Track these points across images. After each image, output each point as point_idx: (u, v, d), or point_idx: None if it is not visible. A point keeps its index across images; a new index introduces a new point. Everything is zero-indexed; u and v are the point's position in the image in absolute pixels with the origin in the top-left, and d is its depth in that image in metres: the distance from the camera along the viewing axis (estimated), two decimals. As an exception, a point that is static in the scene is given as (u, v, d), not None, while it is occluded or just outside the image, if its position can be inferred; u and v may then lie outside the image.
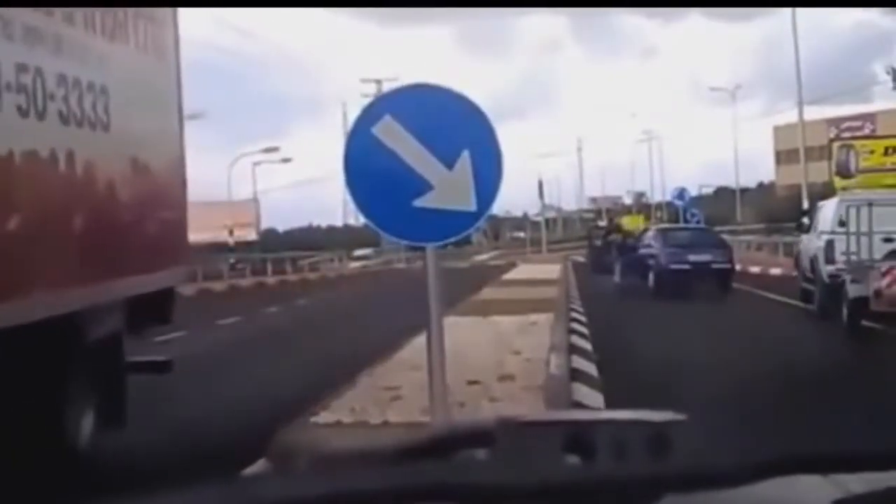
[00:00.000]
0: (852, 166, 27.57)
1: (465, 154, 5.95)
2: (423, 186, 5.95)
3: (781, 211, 46.84)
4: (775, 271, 30.31)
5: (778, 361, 11.61)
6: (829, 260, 16.91)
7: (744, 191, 70.11)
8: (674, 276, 24.22)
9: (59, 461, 6.63)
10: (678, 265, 24.54)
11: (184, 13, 9.23)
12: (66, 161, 6.56)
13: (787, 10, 40.90)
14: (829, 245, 17.04)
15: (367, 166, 6.02)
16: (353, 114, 7.13)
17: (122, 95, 7.36)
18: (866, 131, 51.18)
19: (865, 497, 1.30)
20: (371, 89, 56.89)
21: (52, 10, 6.49)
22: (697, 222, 40.91)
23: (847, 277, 15.39)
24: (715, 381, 9.67)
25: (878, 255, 15.37)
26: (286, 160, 58.19)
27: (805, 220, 21.00)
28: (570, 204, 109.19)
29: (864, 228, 15.62)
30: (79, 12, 6.86)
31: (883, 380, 10.76)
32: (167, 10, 8.69)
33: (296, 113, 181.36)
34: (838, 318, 15.56)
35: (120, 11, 7.54)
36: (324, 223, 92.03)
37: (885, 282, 14.41)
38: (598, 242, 40.05)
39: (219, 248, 45.42)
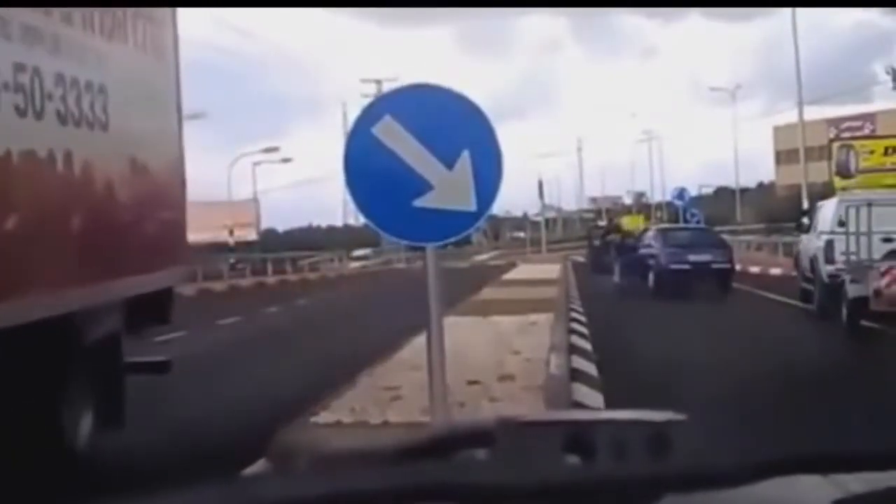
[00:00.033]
0: (852, 166, 27.57)
1: (465, 154, 5.95)
2: (423, 186, 5.95)
3: (781, 211, 46.85)
4: (775, 271, 30.31)
5: (778, 361, 11.61)
6: (829, 260, 16.92)
7: (744, 191, 70.16)
8: (674, 276, 24.22)
9: (58, 462, 6.61)
10: (678, 265, 24.54)
11: (183, 13, 9.22)
12: (64, 161, 6.53)
13: (787, 10, 40.97)
14: (829, 245, 17.05)
15: (367, 166, 6.02)
16: (353, 114, 7.15)
17: (120, 95, 7.33)
18: (866, 131, 51.18)
19: (865, 497, 1.30)
20: (371, 89, 56.94)
21: (51, 9, 6.47)
22: (697, 222, 40.93)
23: (846, 277, 15.41)
24: (715, 381, 9.67)
25: (877, 255, 15.39)
26: (286, 160, 58.26)
27: (805, 220, 21.01)
28: (570, 204, 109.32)
29: (863, 228, 15.63)
30: (77, 11, 6.83)
31: (882, 379, 10.76)
32: (166, 10, 8.67)
33: (296, 113, 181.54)
34: (838, 318, 15.57)
35: (118, 11, 7.51)
36: (324, 223, 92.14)
37: (884, 281, 14.43)
38: (597, 242, 40.09)
39: (219, 248, 45.43)
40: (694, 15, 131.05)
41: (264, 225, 60.80)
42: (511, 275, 34.47)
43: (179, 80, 9.02)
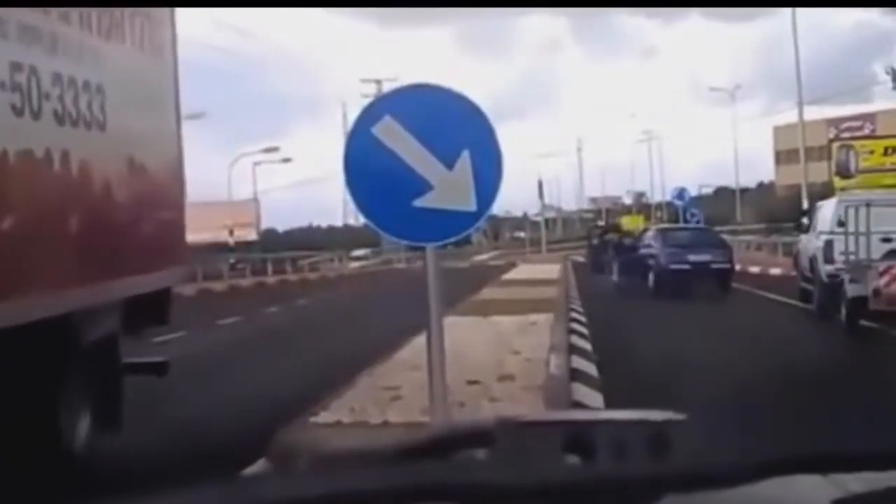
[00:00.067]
0: (852, 166, 27.61)
1: (465, 154, 5.95)
2: (423, 186, 5.95)
3: (781, 211, 46.87)
4: (775, 271, 30.31)
5: (777, 361, 11.61)
6: (828, 260, 16.94)
7: (744, 191, 70.18)
8: (673, 276, 24.22)
9: (56, 463, 6.59)
10: (678, 265, 24.54)
11: (183, 13, 9.21)
12: (61, 161, 6.49)
13: (787, 10, 40.95)
14: (828, 245, 17.06)
15: (367, 166, 6.02)
16: (353, 114, 7.14)
17: (118, 94, 7.29)
18: (866, 131, 51.21)
19: (865, 497, 1.30)
20: (371, 89, 56.95)
21: (48, 8, 6.44)
22: (697, 222, 40.96)
23: (845, 277, 15.43)
24: (714, 381, 9.67)
25: (876, 255, 15.41)
26: (286, 160, 58.26)
27: (804, 220, 21.02)
28: (569, 204, 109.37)
29: (862, 228, 15.66)
30: (74, 10, 6.79)
31: (881, 379, 10.77)
32: (164, 9, 8.63)
33: (296, 113, 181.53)
34: (837, 318, 15.59)
35: (116, 10, 7.46)
36: (324, 223, 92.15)
37: (882, 281, 14.48)
38: (596, 241, 40.11)
39: (219, 248, 45.45)
40: (694, 15, 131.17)
41: (264, 225, 60.88)
42: (511, 275, 34.47)
43: (178, 79, 8.98)
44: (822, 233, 17.84)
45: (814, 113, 51.79)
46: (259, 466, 5.68)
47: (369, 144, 5.95)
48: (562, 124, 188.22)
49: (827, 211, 18.21)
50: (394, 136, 5.93)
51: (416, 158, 5.92)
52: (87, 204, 6.94)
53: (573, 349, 12.27)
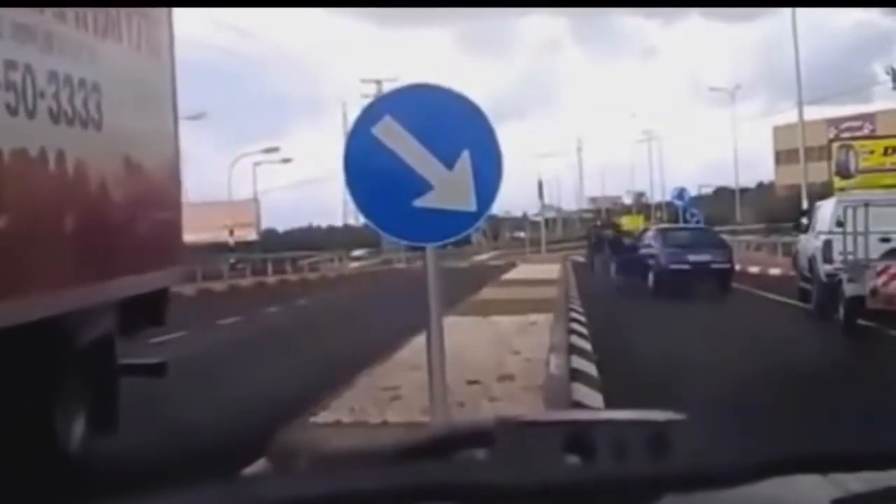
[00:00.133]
0: (852, 166, 27.62)
1: (465, 154, 5.95)
2: (423, 186, 5.95)
3: (781, 211, 46.86)
4: (774, 271, 30.32)
5: (776, 361, 11.61)
6: (827, 259, 16.96)
7: (743, 191, 70.18)
8: (673, 276, 24.23)
9: (50, 465, 6.55)
10: (678, 265, 24.55)
11: (182, 13, 9.19)
12: (56, 160, 6.42)
13: (787, 10, 40.97)
14: (827, 245, 17.09)
15: (367, 166, 6.02)
16: (353, 114, 7.16)
17: (114, 93, 7.23)
18: (866, 131, 51.23)
19: (865, 497, 1.30)
20: (371, 89, 56.98)
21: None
22: (697, 222, 40.99)
23: (844, 276, 15.48)
24: (714, 381, 9.67)
25: (874, 255, 15.45)
26: (286, 160, 58.26)
27: (804, 220, 21.05)
28: (569, 204, 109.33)
29: (860, 228, 15.69)
30: (70, 9, 6.72)
31: (880, 378, 10.78)
32: (162, 8, 8.59)
33: (296, 113, 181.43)
34: (836, 317, 15.63)
35: (113, 8, 7.40)
36: (324, 223, 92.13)
37: (880, 280, 14.56)
38: (593, 239, 40.15)
39: (219, 248, 45.49)
40: (694, 15, 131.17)
41: (264, 225, 60.88)
42: (511, 275, 34.47)
43: (175, 78, 8.92)
44: (820, 233, 17.87)
45: (814, 113, 51.88)
46: (259, 466, 5.68)
47: (369, 144, 5.96)
48: (562, 124, 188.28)
49: (826, 211, 18.25)
50: (394, 136, 5.93)
51: (416, 158, 5.93)
52: (83, 203, 6.88)
53: (573, 349, 12.27)
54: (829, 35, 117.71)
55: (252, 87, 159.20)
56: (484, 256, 68.97)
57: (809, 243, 18.74)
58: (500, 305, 18.16)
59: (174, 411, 9.16)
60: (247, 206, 53.78)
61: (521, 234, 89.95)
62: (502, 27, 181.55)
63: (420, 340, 8.16)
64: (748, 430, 1.57)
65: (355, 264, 62.35)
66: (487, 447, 1.34)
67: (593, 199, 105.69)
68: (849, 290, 15.05)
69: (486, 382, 9.13)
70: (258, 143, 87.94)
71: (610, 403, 8.71)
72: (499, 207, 65.70)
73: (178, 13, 9.00)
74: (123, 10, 7.58)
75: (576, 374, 10.31)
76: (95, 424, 7.31)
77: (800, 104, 41.33)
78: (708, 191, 73.98)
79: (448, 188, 5.96)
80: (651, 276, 25.21)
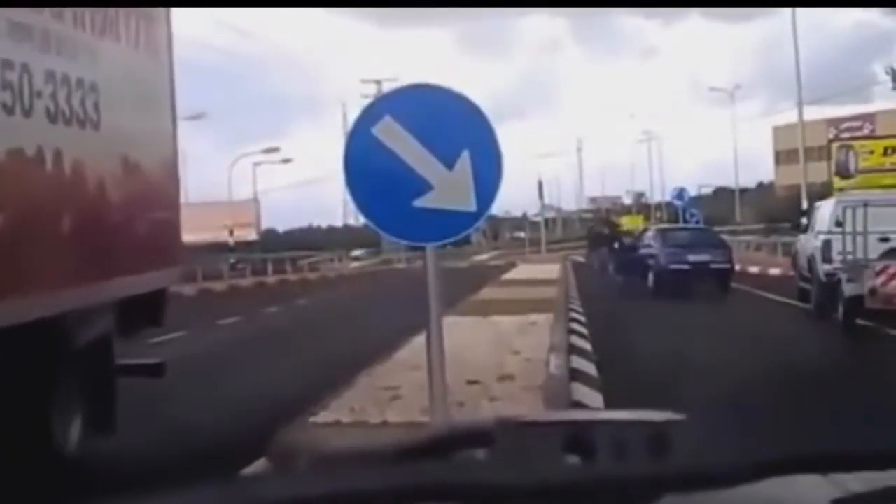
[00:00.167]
0: (852, 166, 27.61)
1: (465, 154, 5.95)
2: (423, 186, 5.95)
3: (781, 211, 46.83)
4: (774, 271, 30.32)
5: (776, 360, 11.61)
6: (826, 259, 16.97)
7: (743, 191, 70.20)
8: (673, 276, 24.23)
9: (47, 465, 6.53)
10: (678, 265, 24.54)
11: (183, 13, 9.18)
12: (53, 160, 6.40)
13: (787, 10, 40.99)
14: (827, 245, 17.10)
15: (367, 166, 6.02)
16: (353, 114, 7.16)
17: (112, 93, 7.19)
18: (866, 131, 51.23)
19: (865, 497, 1.30)
20: (371, 89, 57.01)
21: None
22: (697, 222, 40.98)
23: (843, 276, 15.50)
24: (714, 381, 9.67)
25: (873, 255, 15.47)
26: (286, 160, 58.27)
27: (803, 220, 21.07)
28: (569, 204, 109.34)
29: (859, 228, 15.70)
30: (68, 8, 6.70)
31: (878, 378, 10.79)
32: (160, 8, 8.57)
33: (296, 113, 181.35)
34: (835, 317, 15.65)
35: (111, 8, 7.38)
36: (324, 223, 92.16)
37: (879, 280, 14.59)
38: (591, 237, 40.19)
39: (219, 248, 45.49)
40: (694, 15, 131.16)
41: (264, 225, 60.92)
42: (510, 275, 34.47)
43: (174, 78, 8.88)
44: (820, 233, 17.88)
45: (814, 113, 51.89)
46: (259, 466, 5.68)
47: (369, 144, 5.96)
48: (562, 124, 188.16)
49: (825, 211, 18.28)
50: (394, 136, 5.93)
51: (416, 158, 5.93)
52: (80, 203, 6.85)
53: (573, 349, 12.27)
54: (829, 35, 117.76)
55: (252, 87, 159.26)
56: (484, 256, 68.98)
57: (809, 243, 18.76)
58: (500, 305, 18.16)
59: (174, 411, 9.16)
60: (247, 206, 53.80)
61: (521, 234, 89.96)
62: (502, 27, 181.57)
63: (420, 340, 8.16)
64: (748, 430, 1.57)
65: (355, 264, 62.35)
66: (487, 447, 1.34)
67: (593, 199, 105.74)
68: (848, 289, 15.08)
69: (485, 382, 9.13)
70: (258, 143, 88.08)
71: (610, 403, 8.71)
72: (499, 207, 65.77)
73: (178, 13, 8.98)
74: (122, 10, 7.54)
75: (576, 374, 10.31)
76: (93, 425, 7.29)
77: (800, 104, 41.39)
78: (708, 191, 74.04)
79: (448, 188, 5.97)
80: (651, 276, 25.20)
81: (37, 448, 6.53)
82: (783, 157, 64.86)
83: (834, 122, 58.90)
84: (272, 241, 62.15)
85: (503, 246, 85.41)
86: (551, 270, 34.32)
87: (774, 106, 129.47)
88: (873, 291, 14.56)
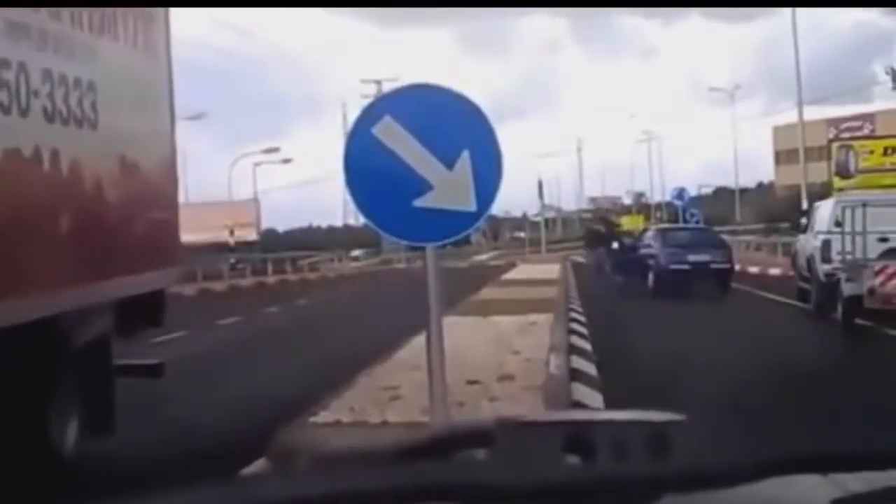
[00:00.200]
0: (852, 166, 27.59)
1: (465, 154, 5.96)
2: (423, 186, 5.95)
3: (781, 211, 46.83)
4: (774, 271, 30.32)
5: (776, 360, 11.62)
6: (826, 259, 16.99)
7: (743, 191, 70.20)
8: (673, 276, 24.24)
9: (48, 466, 6.52)
10: (678, 265, 24.55)
11: (182, 13, 9.17)
12: (50, 159, 6.37)
13: (787, 10, 41.01)
14: (826, 245, 17.11)
15: (367, 166, 6.02)
16: (353, 114, 7.16)
17: (110, 92, 7.16)
18: (866, 131, 51.21)
19: (865, 497, 1.30)
20: (371, 90, 57.00)
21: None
22: (697, 222, 41.00)
23: (842, 276, 15.52)
24: (714, 381, 9.67)
25: (872, 255, 15.49)
26: (286, 160, 58.29)
27: (803, 220, 21.09)
28: (569, 204, 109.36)
29: (859, 228, 15.72)
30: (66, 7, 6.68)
31: (878, 377, 10.79)
32: (158, 7, 8.55)
33: (296, 113, 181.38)
34: (834, 317, 15.66)
35: (108, 7, 7.35)
36: (324, 223, 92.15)
37: (878, 280, 14.61)
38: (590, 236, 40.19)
39: (219, 248, 45.49)
40: (694, 15, 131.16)
41: (264, 225, 60.94)
42: (510, 275, 34.48)
43: (172, 78, 8.85)
44: (819, 233, 17.89)
45: (814, 113, 51.90)
46: (259, 466, 5.68)
47: (369, 144, 5.96)
48: (562, 124, 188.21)
49: (824, 211, 18.29)
50: (394, 136, 5.93)
51: (416, 158, 5.93)
52: (77, 203, 6.82)
53: (573, 349, 12.27)
54: (829, 35, 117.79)
55: (252, 87, 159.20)
56: (484, 256, 68.98)
57: (808, 243, 18.77)
58: (500, 305, 18.16)
59: (174, 411, 9.16)
60: (247, 206, 53.82)
61: (521, 235, 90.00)
62: (502, 27, 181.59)
63: (420, 340, 8.16)
64: (748, 430, 1.57)
65: (355, 264, 62.35)
66: (487, 447, 1.34)
67: (593, 199, 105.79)
68: (847, 289, 15.10)
69: (486, 382, 9.13)
70: (258, 143, 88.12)
71: (610, 403, 8.71)
72: (499, 207, 65.80)
73: (178, 13, 8.96)
74: (120, 9, 7.51)
75: (576, 374, 10.31)
76: (92, 426, 7.27)
77: (800, 104, 41.41)
78: (708, 191, 74.04)
79: (448, 188, 5.97)
80: (651, 276, 25.21)
81: (35, 448, 6.52)
82: (783, 157, 64.86)
83: (834, 122, 58.89)
84: (272, 241, 62.15)
85: (503, 246, 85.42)
86: (551, 270, 34.33)
87: (774, 106, 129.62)
88: (872, 291, 14.59)
